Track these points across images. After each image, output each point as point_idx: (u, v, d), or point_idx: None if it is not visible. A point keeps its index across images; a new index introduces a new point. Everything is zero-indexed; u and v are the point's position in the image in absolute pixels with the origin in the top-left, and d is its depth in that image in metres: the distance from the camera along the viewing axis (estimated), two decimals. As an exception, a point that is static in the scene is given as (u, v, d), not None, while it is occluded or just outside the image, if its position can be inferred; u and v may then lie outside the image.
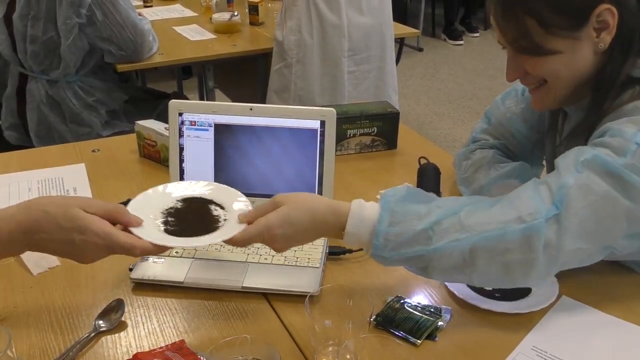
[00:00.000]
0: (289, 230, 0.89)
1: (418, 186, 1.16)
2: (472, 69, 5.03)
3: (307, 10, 2.24)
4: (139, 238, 0.86)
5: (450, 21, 5.71)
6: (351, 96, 2.35)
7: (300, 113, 1.16)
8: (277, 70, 2.35)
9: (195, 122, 1.18)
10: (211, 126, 1.18)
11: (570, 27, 0.94)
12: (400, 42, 3.54)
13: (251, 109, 1.16)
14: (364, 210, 0.90)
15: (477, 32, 5.85)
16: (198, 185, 1.02)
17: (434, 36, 5.82)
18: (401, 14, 3.70)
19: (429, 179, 1.15)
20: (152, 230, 0.89)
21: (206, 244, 1.02)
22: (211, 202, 0.99)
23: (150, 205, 0.95)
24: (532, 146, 1.29)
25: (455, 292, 1.02)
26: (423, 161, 1.22)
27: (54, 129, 2.22)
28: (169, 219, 0.94)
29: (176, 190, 1.00)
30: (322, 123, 1.16)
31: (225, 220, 0.95)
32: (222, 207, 0.97)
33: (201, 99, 3.23)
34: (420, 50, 5.45)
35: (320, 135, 1.16)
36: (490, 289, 1.04)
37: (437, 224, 0.88)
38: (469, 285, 1.05)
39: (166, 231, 0.91)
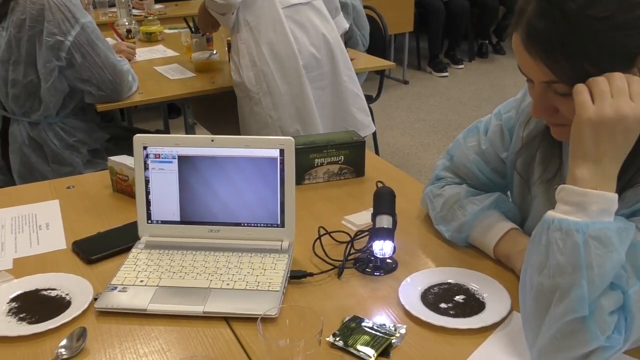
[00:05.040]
0: None
1: (374, 209, 1.20)
2: (457, 100, 5.12)
3: (254, 42, 2.26)
4: None
5: (435, 54, 5.82)
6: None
7: (260, 143, 1.21)
8: (248, 112, 2.35)
9: (159, 154, 1.23)
10: (175, 158, 1.22)
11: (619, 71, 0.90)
12: (380, 74, 3.63)
13: (212, 140, 1.21)
14: None
15: (462, 64, 5.96)
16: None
17: (419, 69, 5.93)
18: (380, 47, 3.78)
19: (383, 201, 1.19)
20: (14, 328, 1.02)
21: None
22: (36, 291, 1.12)
23: None
24: (495, 187, 1.29)
25: (411, 311, 1.05)
26: (380, 185, 1.25)
27: (36, 169, 2.26)
28: (20, 315, 1.05)
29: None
30: (282, 152, 1.20)
31: (67, 294, 1.10)
32: (52, 289, 1.12)
33: (186, 136, 3.28)
34: (406, 83, 5.55)
35: (280, 164, 1.20)
36: (445, 306, 1.07)
37: None
38: (424, 303, 1.08)
39: (29, 322, 1.04)
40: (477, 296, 1.10)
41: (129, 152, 1.56)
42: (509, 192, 1.33)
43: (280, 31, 2.26)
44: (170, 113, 4.28)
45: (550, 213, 0.92)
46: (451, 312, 1.06)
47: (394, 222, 1.18)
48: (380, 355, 0.96)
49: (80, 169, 2.27)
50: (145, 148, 1.23)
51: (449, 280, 1.14)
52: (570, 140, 0.93)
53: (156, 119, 4.33)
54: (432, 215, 1.33)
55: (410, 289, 1.11)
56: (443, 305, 1.07)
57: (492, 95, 5.21)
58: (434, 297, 1.10)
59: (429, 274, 1.16)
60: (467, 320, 1.03)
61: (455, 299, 1.09)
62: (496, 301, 1.08)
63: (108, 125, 2.58)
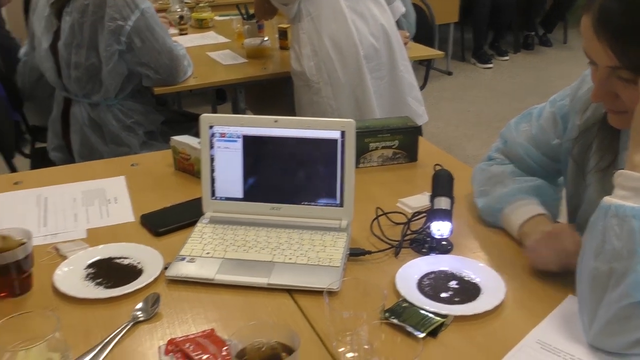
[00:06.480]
0: None
1: (432, 190, 1.23)
2: (501, 92, 5.08)
3: (316, 32, 2.30)
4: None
5: (480, 45, 5.78)
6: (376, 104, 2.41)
7: (322, 124, 1.25)
8: (307, 101, 2.39)
9: (224, 134, 1.28)
10: (239, 137, 1.27)
11: None
12: (427, 64, 3.63)
13: (276, 121, 1.26)
14: None
15: (507, 56, 5.90)
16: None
17: (463, 60, 5.89)
18: (428, 37, 3.77)
19: (442, 183, 1.22)
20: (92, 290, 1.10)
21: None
22: (110, 259, 1.19)
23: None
24: (544, 172, 1.31)
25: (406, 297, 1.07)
26: (438, 168, 1.29)
27: (95, 149, 2.35)
28: (97, 280, 1.13)
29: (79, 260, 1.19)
30: (343, 133, 1.24)
31: (138, 263, 1.17)
32: (124, 257, 1.19)
33: (234, 122, 3.34)
34: (450, 74, 5.52)
35: (341, 145, 1.24)
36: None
37: None
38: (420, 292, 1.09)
39: (106, 287, 1.11)
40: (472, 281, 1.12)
41: (183, 134, 1.63)
42: (561, 179, 1.34)
43: (342, 21, 2.30)
44: (217, 99, 4.36)
45: (608, 199, 0.94)
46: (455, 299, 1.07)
47: (452, 204, 1.21)
48: (429, 334, 0.99)
49: (136, 150, 2.35)
50: (211, 127, 1.28)
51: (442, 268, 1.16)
52: (632, 127, 0.94)
53: (203, 104, 4.42)
54: (474, 189, 1.36)
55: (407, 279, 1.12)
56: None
57: (537, 88, 5.16)
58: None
59: (421, 263, 1.18)
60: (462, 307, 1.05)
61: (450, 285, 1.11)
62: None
63: (162, 109, 2.65)
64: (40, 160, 2.54)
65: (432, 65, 5.49)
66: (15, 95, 2.66)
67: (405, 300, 1.06)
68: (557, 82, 5.27)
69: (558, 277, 1.12)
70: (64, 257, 1.19)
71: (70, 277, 1.13)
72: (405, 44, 2.93)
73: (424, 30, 3.75)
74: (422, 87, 3.67)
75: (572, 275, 1.08)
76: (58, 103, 2.41)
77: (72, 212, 1.38)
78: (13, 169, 2.36)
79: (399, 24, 3.63)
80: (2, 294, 1.09)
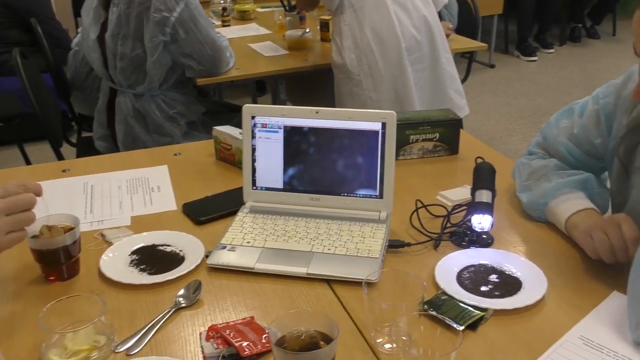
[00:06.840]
0: None
1: (474, 183, 1.22)
2: (545, 85, 4.98)
3: (358, 24, 2.30)
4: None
5: (524, 37, 5.66)
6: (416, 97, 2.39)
7: (363, 116, 1.25)
8: (347, 93, 2.38)
9: (266, 124, 1.29)
10: (281, 128, 1.28)
11: None
12: (469, 56, 3.59)
13: (317, 112, 1.26)
14: None
15: (552, 48, 5.78)
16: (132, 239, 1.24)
17: (506, 52, 5.79)
18: (470, 29, 3.72)
19: (484, 176, 1.21)
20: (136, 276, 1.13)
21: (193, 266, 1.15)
22: (153, 246, 1.22)
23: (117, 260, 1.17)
24: (585, 169, 1.28)
25: (445, 289, 1.07)
26: (479, 160, 1.27)
27: (139, 139, 2.39)
28: (141, 266, 1.15)
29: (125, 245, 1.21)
30: (383, 125, 1.24)
31: (180, 250, 1.19)
32: (167, 245, 1.21)
33: (274, 113, 3.36)
34: (492, 66, 5.44)
35: (382, 137, 1.24)
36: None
37: None
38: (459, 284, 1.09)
39: (149, 273, 1.13)
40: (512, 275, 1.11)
41: (223, 125, 1.66)
42: (606, 175, 1.31)
43: (384, 13, 2.29)
44: (256, 90, 4.39)
45: None
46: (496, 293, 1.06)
47: (493, 197, 1.20)
48: (468, 327, 0.98)
49: (179, 140, 2.38)
50: (253, 117, 1.29)
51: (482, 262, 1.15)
52: None
53: (243, 96, 4.45)
54: (517, 183, 1.34)
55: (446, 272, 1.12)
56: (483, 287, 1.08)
57: (583, 81, 5.04)
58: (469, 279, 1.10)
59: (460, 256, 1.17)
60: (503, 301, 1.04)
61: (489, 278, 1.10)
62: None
63: (204, 100, 2.69)
64: (86, 149, 2.61)
65: (475, 57, 5.42)
66: (62, 86, 2.74)
67: (444, 293, 1.06)
68: (604, 75, 5.14)
69: (602, 273, 1.10)
70: (109, 243, 1.22)
71: (116, 262, 1.16)
72: (448, 35, 2.89)
73: (467, 22, 3.70)
74: (463, 80, 3.63)
75: (616, 271, 1.07)
76: (104, 93, 2.46)
77: (117, 199, 1.42)
78: (60, 157, 2.43)
79: (440, 16, 3.58)
80: (51, 278, 1.13)
